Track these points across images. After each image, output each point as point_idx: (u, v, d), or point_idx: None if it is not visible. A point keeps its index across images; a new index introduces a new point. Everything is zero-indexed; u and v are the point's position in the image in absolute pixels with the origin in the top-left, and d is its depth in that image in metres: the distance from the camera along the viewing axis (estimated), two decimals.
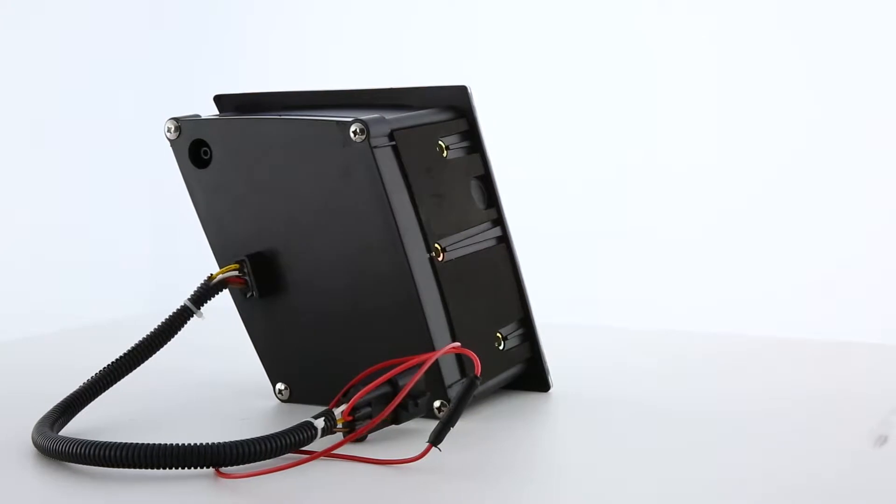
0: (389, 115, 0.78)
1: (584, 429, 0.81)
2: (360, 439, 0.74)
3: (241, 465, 0.69)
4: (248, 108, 0.85)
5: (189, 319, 0.80)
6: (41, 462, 0.73)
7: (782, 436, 0.77)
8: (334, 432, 0.73)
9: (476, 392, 0.75)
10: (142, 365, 0.80)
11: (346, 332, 0.81)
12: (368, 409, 0.74)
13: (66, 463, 0.72)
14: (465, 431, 0.76)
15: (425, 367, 0.74)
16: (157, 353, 0.80)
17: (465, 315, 0.80)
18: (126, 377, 0.79)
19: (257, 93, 0.85)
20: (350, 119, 0.76)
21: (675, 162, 2.08)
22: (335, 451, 0.72)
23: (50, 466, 0.72)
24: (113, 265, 2.28)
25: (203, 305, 0.80)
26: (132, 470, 0.69)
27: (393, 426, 0.76)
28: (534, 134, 2.13)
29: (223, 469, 0.69)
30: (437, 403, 0.79)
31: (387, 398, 0.74)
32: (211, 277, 0.81)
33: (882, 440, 0.75)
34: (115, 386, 0.79)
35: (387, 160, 0.77)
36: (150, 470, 0.69)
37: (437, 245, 0.79)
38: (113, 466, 0.69)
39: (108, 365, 0.79)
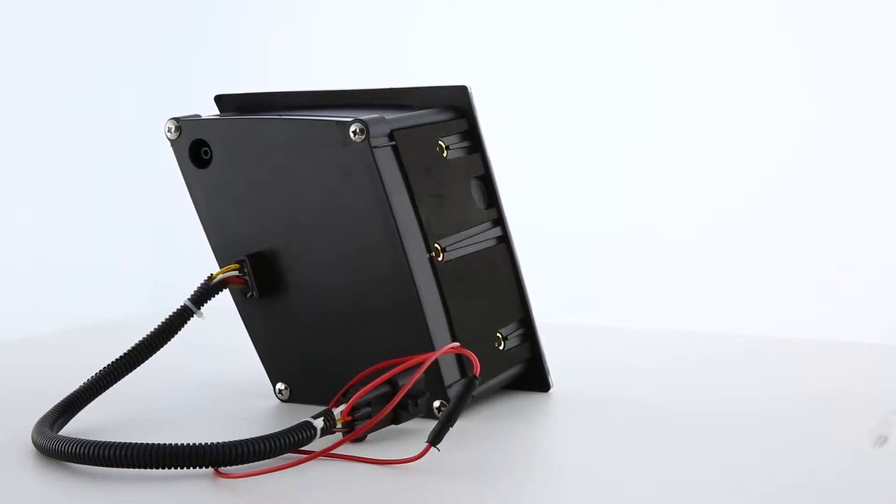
0: (389, 115, 0.78)
1: (584, 429, 0.81)
2: (360, 439, 0.74)
3: (240, 465, 0.69)
4: (248, 108, 0.85)
5: (189, 319, 0.80)
6: (41, 462, 0.73)
7: (782, 436, 0.77)
8: (333, 432, 0.73)
9: (476, 392, 0.75)
10: (142, 365, 0.80)
11: (346, 332, 0.81)
12: (368, 409, 0.74)
13: (66, 463, 0.72)
14: (465, 431, 0.76)
15: (424, 367, 0.74)
16: (157, 353, 0.80)
17: (465, 315, 0.80)
18: (126, 377, 0.79)
19: (258, 93, 0.85)
20: (350, 119, 0.76)
21: (675, 162, 2.08)
22: (334, 451, 0.72)
23: (50, 466, 0.72)
24: (113, 265, 2.28)
25: (203, 305, 0.80)
26: (131, 470, 0.69)
27: (392, 426, 0.76)
28: (534, 134, 2.13)
29: (222, 469, 0.69)
30: (436, 403, 0.79)
31: (386, 398, 0.74)
32: (211, 277, 0.81)
33: (882, 440, 0.75)
34: (115, 386, 0.79)
35: (387, 160, 0.77)
36: (149, 470, 0.69)
37: (437, 245, 0.79)
38: (112, 466, 0.69)
39: (108, 365, 0.79)
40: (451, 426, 0.71)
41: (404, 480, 0.69)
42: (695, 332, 1.13)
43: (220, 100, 0.86)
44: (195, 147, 0.81)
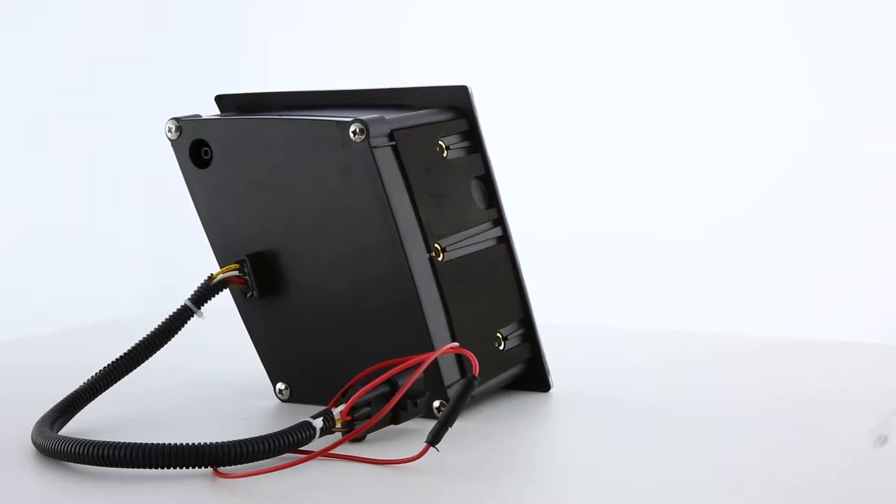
0: (389, 115, 0.78)
1: (584, 429, 0.81)
2: (359, 439, 0.74)
3: (240, 465, 0.69)
4: (249, 108, 0.85)
5: (189, 319, 0.80)
6: (41, 462, 0.73)
7: (782, 436, 0.77)
8: (333, 432, 0.73)
9: (476, 392, 0.75)
10: (142, 365, 0.80)
11: (346, 332, 0.81)
12: (367, 409, 0.74)
13: (66, 463, 0.72)
14: (465, 431, 0.76)
15: (423, 367, 0.74)
16: (157, 353, 0.80)
17: (465, 315, 0.80)
18: (126, 377, 0.79)
19: (258, 93, 0.85)
20: (350, 119, 0.76)
21: (675, 162, 2.08)
22: (333, 451, 0.72)
23: (49, 466, 0.72)
24: (113, 265, 2.28)
25: (203, 305, 0.80)
26: (131, 470, 0.69)
27: (392, 426, 0.76)
28: (534, 134, 2.13)
29: (221, 469, 0.69)
30: (436, 403, 0.79)
31: (386, 398, 0.74)
32: (211, 277, 0.81)
33: (882, 440, 0.75)
34: (115, 386, 0.79)
35: (387, 160, 0.77)
36: (148, 470, 0.69)
37: (437, 245, 0.79)
38: (112, 466, 0.69)
39: (108, 365, 0.79)
40: (451, 426, 0.71)
41: (404, 480, 0.69)
42: (695, 332, 1.13)
43: (221, 100, 0.86)
44: (195, 147, 0.81)
